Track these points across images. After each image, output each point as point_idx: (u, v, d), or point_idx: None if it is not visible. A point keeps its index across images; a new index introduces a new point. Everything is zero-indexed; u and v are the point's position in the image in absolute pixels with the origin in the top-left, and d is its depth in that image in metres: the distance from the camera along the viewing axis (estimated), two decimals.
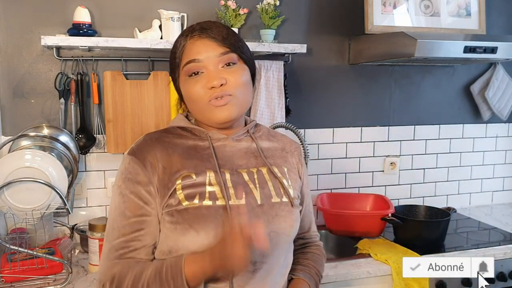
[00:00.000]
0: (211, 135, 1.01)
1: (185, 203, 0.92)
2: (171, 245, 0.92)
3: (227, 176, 0.97)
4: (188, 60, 0.96)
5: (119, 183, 0.96)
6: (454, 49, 1.73)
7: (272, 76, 1.89)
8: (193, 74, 0.96)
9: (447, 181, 2.34)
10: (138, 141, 1.00)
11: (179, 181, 0.93)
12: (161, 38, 1.74)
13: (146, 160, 0.94)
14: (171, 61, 1.01)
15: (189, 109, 1.03)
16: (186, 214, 0.91)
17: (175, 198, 0.92)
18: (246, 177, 0.99)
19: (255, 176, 1.00)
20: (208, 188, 0.94)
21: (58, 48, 1.69)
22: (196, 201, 0.92)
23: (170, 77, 1.05)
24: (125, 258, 0.93)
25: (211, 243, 0.88)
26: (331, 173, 2.13)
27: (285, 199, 1.00)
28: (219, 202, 0.93)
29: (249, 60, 1.02)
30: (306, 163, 1.83)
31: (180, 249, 0.91)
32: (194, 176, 0.94)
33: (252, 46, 1.75)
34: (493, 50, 1.76)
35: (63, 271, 1.47)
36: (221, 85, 0.94)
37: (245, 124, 1.08)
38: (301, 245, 1.17)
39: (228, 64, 0.96)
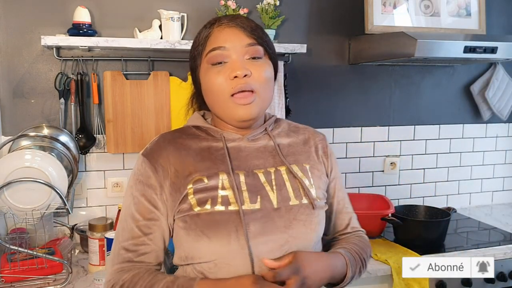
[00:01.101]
0: (226, 135, 0.97)
1: (197, 209, 0.88)
2: (187, 252, 0.91)
3: (242, 178, 0.92)
4: (213, 47, 0.92)
5: (131, 183, 0.95)
6: (454, 49, 1.72)
7: None
8: (217, 64, 0.92)
9: (447, 181, 2.34)
10: (153, 141, 0.97)
11: (190, 185, 0.90)
12: (161, 38, 1.74)
13: (158, 164, 0.92)
14: (193, 50, 0.97)
15: (207, 103, 0.98)
16: (198, 220, 0.88)
17: (187, 203, 0.89)
18: (262, 178, 0.94)
19: (273, 177, 0.94)
20: (221, 192, 0.90)
21: (58, 48, 1.69)
22: (207, 206, 0.88)
23: (188, 72, 1.00)
24: (134, 262, 0.92)
25: (224, 250, 0.86)
26: None
27: (305, 201, 0.93)
28: (232, 207, 0.88)
29: (274, 56, 0.98)
30: None
31: (195, 256, 0.89)
32: (206, 180, 0.91)
33: None
34: (493, 50, 1.76)
35: (63, 271, 1.47)
36: (245, 76, 0.90)
37: (264, 121, 1.03)
38: (341, 237, 1.08)
39: (254, 58, 0.93)
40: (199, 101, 1.04)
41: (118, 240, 0.93)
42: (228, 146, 0.96)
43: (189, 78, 1.03)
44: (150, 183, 0.92)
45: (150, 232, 0.92)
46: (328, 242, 1.08)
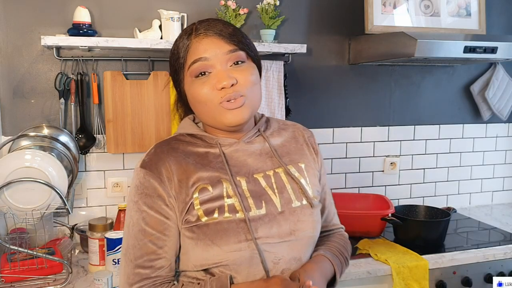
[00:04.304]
0: (221, 141, 0.96)
1: (204, 219, 0.89)
2: (195, 260, 0.91)
3: (244, 184, 0.93)
4: (194, 59, 0.90)
5: (135, 198, 0.92)
6: (454, 49, 1.72)
7: (272, 76, 1.89)
8: (200, 75, 0.91)
9: (447, 181, 2.34)
10: (150, 153, 0.95)
11: (196, 195, 0.90)
12: (161, 38, 1.74)
13: (162, 174, 0.91)
14: (173, 62, 0.96)
15: (195, 113, 0.97)
16: (207, 229, 0.88)
17: (194, 214, 0.89)
18: (263, 182, 0.95)
19: (273, 180, 0.96)
20: (227, 201, 0.90)
21: (58, 48, 1.69)
22: (215, 215, 0.89)
23: (170, 78, 1.00)
24: (152, 277, 0.90)
25: (236, 256, 0.88)
26: (331, 173, 2.13)
27: (304, 201, 0.96)
28: (239, 215, 0.89)
29: (257, 57, 0.98)
30: None
31: (204, 264, 0.90)
32: (210, 189, 0.91)
33: None
34: (493, 50, 1.76)
35: (63, 271, 1.47)
36: (232, 85, 0.89)
37: (255, 122, 1.02)
38: (322, 235, 1.12)
39: (237, 63, 0.92)
40: (184, 106, 1.02)
41: (130, 258, 0.91)
42: (225, 152, 0.96)
43: (171, 83, 1.01)
44: (158, 194, 0.90)
45: (164, 244, 0.91)
46: None
